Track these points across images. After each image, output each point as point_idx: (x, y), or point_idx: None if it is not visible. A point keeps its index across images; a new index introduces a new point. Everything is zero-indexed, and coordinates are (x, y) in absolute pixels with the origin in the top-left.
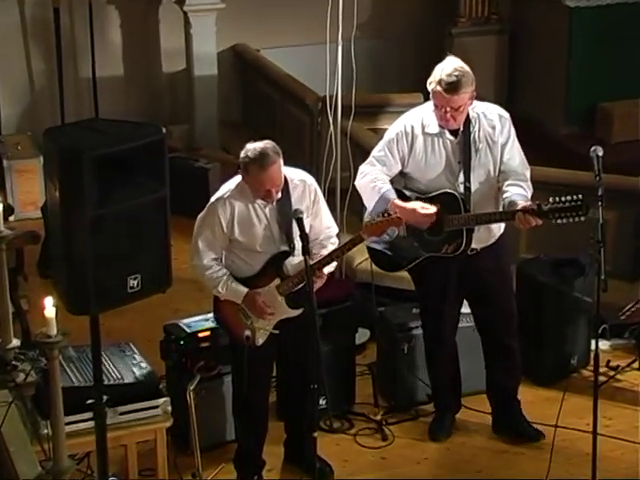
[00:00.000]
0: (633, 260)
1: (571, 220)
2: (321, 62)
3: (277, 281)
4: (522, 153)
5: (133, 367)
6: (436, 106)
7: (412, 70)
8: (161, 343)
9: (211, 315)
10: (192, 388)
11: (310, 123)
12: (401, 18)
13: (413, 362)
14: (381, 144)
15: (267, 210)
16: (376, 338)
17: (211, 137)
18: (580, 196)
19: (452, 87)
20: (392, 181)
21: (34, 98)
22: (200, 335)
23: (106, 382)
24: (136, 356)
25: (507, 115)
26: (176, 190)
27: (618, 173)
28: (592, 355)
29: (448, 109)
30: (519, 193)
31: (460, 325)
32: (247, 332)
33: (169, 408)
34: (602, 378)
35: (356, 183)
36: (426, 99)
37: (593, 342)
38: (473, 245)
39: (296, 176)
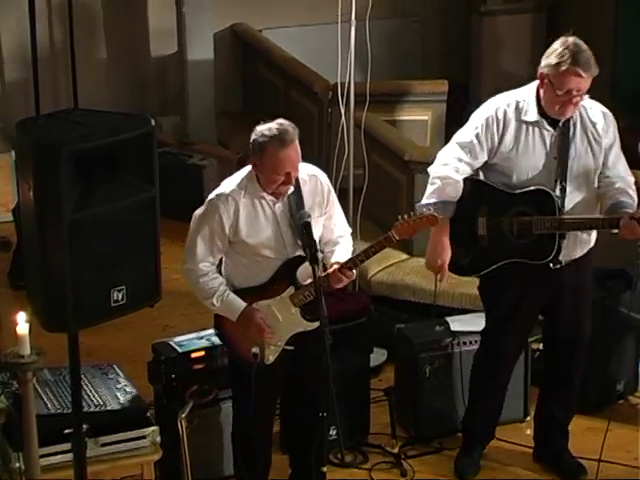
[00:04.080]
0: None
1: None
2: (332, 45)
3: (291, 290)
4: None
5: (117, 392)
6: (555, 90)
7: (436, 54)
8: (149, 364)
9: (205, 333)
10: (184, 416)
11: (319, 114)
12: None
13: (437, 387)
14: (467, 129)
15: (277, 208)
16: (394, 359)
17: (206, 130)
18: None
19: (587, 66)
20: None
21: (4, 86)
22: (193, 356)
23: (86, 409)
24: (120, 379)
25: (611, 114)
26: (167, 190)
27: None
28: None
29: (575, 92)
30: (625, 200)
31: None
32: (255, 348)
33: (158, 438)
34: None
35: (429, 169)
36: (454, 86)
37: None
38: (559, 257)
39: (306, 170)
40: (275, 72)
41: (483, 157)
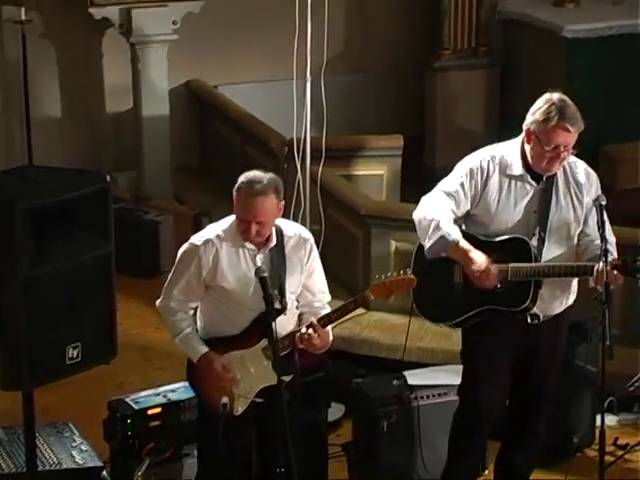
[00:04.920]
0: None
1: None
2: (288, 100)
3: (264, 342)
4: None
5: (72, 450)
6: (543, 146)
7: (391, 109)
8: (104, 422)
9: (162, 389)
10: (140, 474)
11: (275, 169)
12: (378, 51)
13: (395, 441)
14: (451, 178)
15: (257, 260)
16: (352, 414)
17: (163, 186)
18: None
19: (574, 120)
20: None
21: None
22: (150, 412)
23: (41, 468)
24: (76, 437)
25: (594, 173)
26: (123, 246)
27: (624, 224)
28: (597, 432)
29: (562, 148)
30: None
31: (449, 398)
32: (225, 399)
33: None
34: (609, 458)
35: (414, 214)
36: (409, 141)
37: (598, 417)
38: (536, 310)
39: (291, 228)
40: (231, 128)
41: (466, 206)
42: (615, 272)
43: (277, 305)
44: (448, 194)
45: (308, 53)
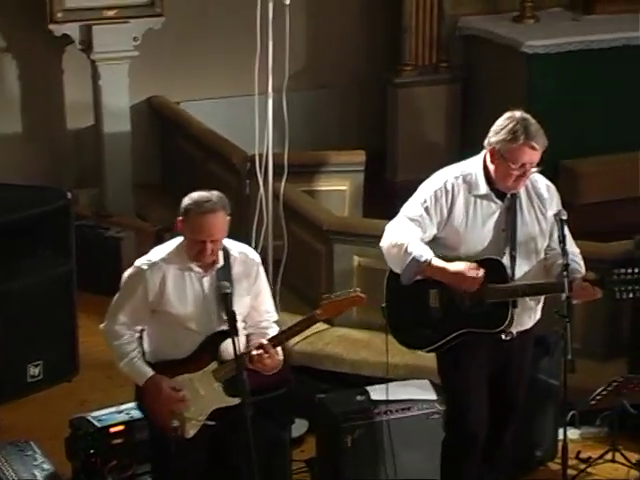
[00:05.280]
0: (605, 337)
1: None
2: (249, 116)
3: (214, 365)
4: None
5: (34, 469)
6: (510, 165)
7: (353, 125)
8: (66, 440)
9: (124, 407)
10: None
11: (237, 185)
12: (340, 67)
13: (359, 457)
14: (415, 202)
15: (204, 282)
16: (315, 430)
17: (124, 202)
18: None
19: (539, 138)
20: None
21: None
22: (112, 430)
23: None
24: (37, 456)
25: (554, 187)
26: (84, 263)
27: (585, 239)
28: (560, 446)
29: (529, 166)
30: (574, 267)
31: (412, 413)
32: (175, 422)
33: None
34: (572, 472)
35: (381, 244)
36: (371, 156)
37: (561, 431)
38: (510, 328)
39: (237, 248)
40: (193, 144)
41: (432, 230)
42: (589, 287)
43: (225, 327)
44: (413, 219)
45: (269, 69)
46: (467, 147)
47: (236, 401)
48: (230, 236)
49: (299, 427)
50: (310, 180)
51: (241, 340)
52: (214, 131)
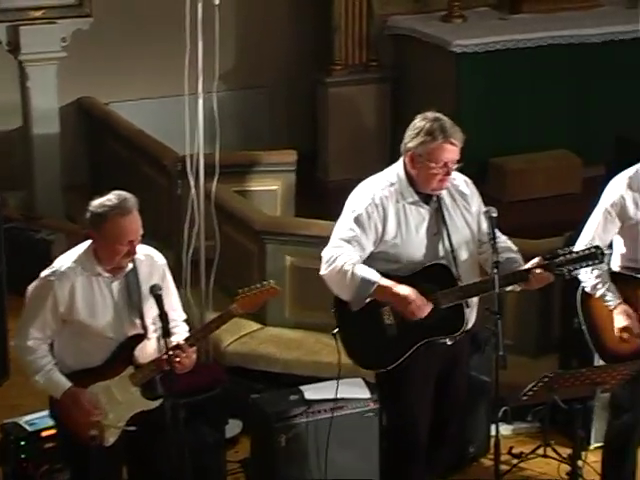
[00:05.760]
0: (536, 333)
1: (589, 268)
2: (180, 117)
3: (130, 370)
4: None
5: None
6: (431, 166)
7: (284, 124)
8: None
9: None
10: None
11: (169, 186)
12: (271, 67)
13: (293, 456)
14: (346, 222)
15: (113, 287)
16: (250, 430)
17: (54, 204)
18: (591, 246)
19: (457, 134)
20: None
21: None
22: (44, 434)
23: None
24: None
25: (471, 181)
26: (14, 266)
27: (514, 236)
28: (492, 442)
29: (450, 164)
30: (513, 256)
31: (346, 412)
32: (94, 431)
33: None
34: (504, 467)
35: (322, 272)
36: (302, 155)
37: (493, 427)
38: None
39: (142, 250)
40: (123, 145)
41: (370, 248)
42: (544, 272)
43: (140, 330)
44: (349, 241)
45: (200, 69)
46: (397, 146)
47: (156, 404)
48: (162, 237)
49: (233, 428)
50: (242, 180)
51: (155, 343)
52: (144, 132)
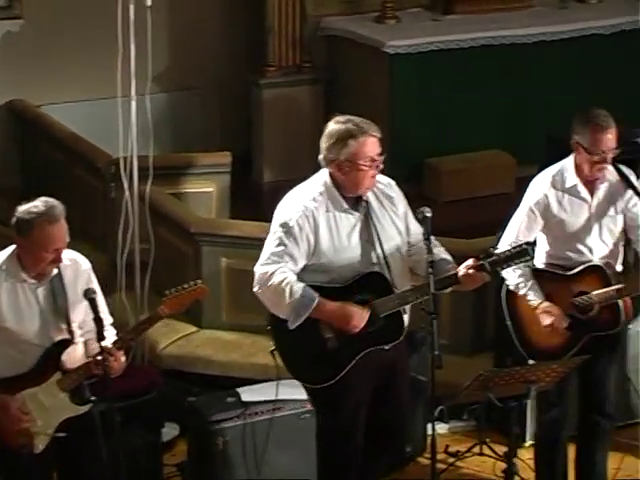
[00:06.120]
0: (471, 332)
1: (521, 265)
2: (113, 119)
3: (57, 376)
4: None
5: None
6: (360, 166)
7: (218, 126)
8: None
9: None
10: None
11: (103, 189)
12: (204, 68)
13: (231, 459)
14: (277, 237)
15: (39, 293)
16: (186, 433)
17: None
18: (522, 243)
19: (374, 127)
20: None
21: None
22: None
23: None
24: None
25: (394, 182)
26: None
27: (449, 236)
28: (429, 441)
29: (377, 157)
30: (444, 257)
31: (283, 413)
32: (22, 439)
33: None
34: (441, 466)
35: (256, 290)
36: (237, 157)
37: (429, 426)
38: None
39: (66, 255)
40: (56, 148)
41: (303, 261)
42: (478, 272)
43: (66, 336)
44: (282, 255)
45: (132, 71)
46: None
47: (85, 409)
48: (96, 240)
49: (170, 431)
50: (176, 182)
51: (82, 348)
52: (77, 134)
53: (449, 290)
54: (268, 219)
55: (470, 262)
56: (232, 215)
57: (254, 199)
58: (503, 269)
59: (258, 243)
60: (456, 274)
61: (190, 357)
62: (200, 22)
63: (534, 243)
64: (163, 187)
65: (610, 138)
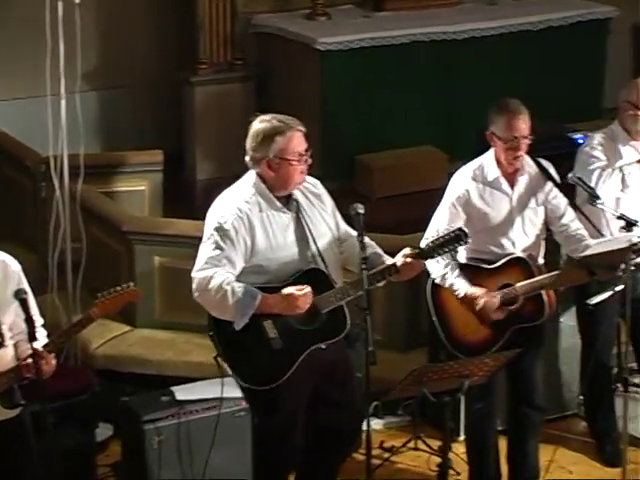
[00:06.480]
0: (405, 328)
1: (457, 249)
2: (43, 118)
3: None
4: None
5: None
6: (290, 161)
7: (150, 124)
8: None
9: None
10: None
11: (33, 188)
12: (135, 66)
13: (166, 458)
14: (213, 240)
15: None
16: (120, 433)
17: None
18: (455, 228)
19: (297, 122)
20: None
21: None
22: None
23: None
24: None
25: (317, 180)
26: None
27: (382, 232)
28: (364, 436)
29: (304, 152)
30: (376, 251)
31: (218, 411)
32: None
33: None
34: (376, 461)
35: (196, 295)
36: (169, 155)
37: (364, 422)
38: None
39: None
40: None
41: (240, 263)
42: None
43: None
44: (219, 259)
45: (61, 69)
46: None
47: (15, 413)
48: (26, 240)
49: (104, 431)
50: (108, 181)
51: (12, 351)
52: (6, 133)
53: (383, 283)
54: (201, 217)
55: (407, 250)
56: (165, 213)
57: (187, 197)
58: (439, 255)
59: (191, 241)
60: (394, 264)
61: (124, 357)
62: (130, 19)
63: None
64: (95, 186)
65: (522, 123)
